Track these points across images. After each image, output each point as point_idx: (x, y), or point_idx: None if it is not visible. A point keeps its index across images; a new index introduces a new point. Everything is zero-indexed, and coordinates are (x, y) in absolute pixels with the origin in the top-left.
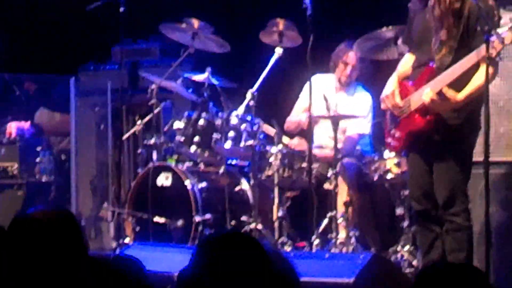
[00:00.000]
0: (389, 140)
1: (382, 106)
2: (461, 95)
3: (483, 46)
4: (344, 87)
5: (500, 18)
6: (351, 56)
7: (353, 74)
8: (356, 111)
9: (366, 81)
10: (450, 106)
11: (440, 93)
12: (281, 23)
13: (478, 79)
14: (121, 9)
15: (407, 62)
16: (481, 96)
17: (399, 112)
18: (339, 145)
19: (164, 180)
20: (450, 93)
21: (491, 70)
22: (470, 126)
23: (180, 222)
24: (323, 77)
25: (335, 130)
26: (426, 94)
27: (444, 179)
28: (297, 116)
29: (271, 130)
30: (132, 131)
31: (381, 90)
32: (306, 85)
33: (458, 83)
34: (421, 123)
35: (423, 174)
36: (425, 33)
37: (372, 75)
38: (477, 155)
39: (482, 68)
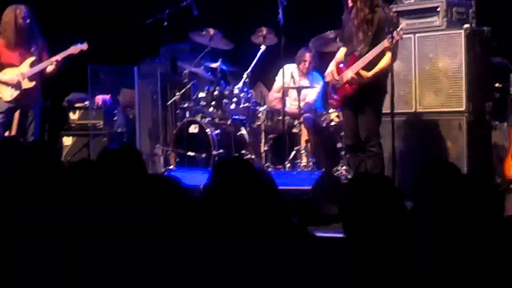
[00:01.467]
0: (330, 101)
1: (326, 79)
2: (370, 73)
3: (386, 40)
4: (304, 75)
5: (398, 22)
6: (308, 56)
7: (309, 67)
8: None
9: (318, 66)
10: (364, 80)
11: (357, 73)
12: (264, 30)
13: (383, 62)
14: (165, 24)
15: (341, 52)
16: (386, 72)
17: (336, 83)
18: (302, 106)
19: (193, 129)
20: (363, 72)
21: (390, 55)
22: (379, 90)
23: (204, 155)
24: (292, 66)
25: (299, 96)
26: (348, 73)
27: (365, 123)
28: (275, 93)
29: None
30: (173, 99)
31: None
32: (280, 71)
33: (370, 66)
34: (349, 90)
35: (352, 122)
36: (350, 34)
37: (321, 62)
38: (386, 109)
39: (387, 55)
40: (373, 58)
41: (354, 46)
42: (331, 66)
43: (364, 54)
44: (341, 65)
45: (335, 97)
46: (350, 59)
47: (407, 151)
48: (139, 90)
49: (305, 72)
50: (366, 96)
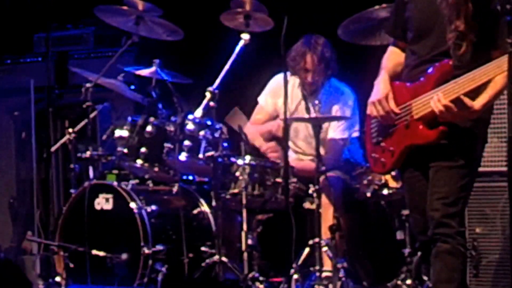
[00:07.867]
0: (375, 155)
1: (368, 111)
2: (479, 103)
3: None
4: (315, 92)
5: None
6: (309, 61)
7: (316, 79)
8: (339, 112)
9: (341, 73)
10: (465, 115)
11: (456, 101)
12: (247, 3)
13: (499, 81)
14: None
15: (395, 57)
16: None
17: (393, 120)
18: (322, 154)
19: (103, 202)
20: (469, 101)
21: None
22: (481, 128)
23: (124, 256)
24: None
25: (317, 135)
26: (437, 100)
27: (444, 187)
28: (264, 124)
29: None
30: (62, 141)
31: (368, 80)
32: (272, 82)
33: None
34: (430, 136)
35: (426, 196)
36: (431, 20)
37: (357, 64)
38: (496, 164)
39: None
40: (489, 79)
41: (437, 46)
42: (383, 85)
43: (468, 64)
44: (406, 84)
45: (389, 148)
46: (432, 72)
47: None
48: None
49: (312, 89)
50: (458, 139)
